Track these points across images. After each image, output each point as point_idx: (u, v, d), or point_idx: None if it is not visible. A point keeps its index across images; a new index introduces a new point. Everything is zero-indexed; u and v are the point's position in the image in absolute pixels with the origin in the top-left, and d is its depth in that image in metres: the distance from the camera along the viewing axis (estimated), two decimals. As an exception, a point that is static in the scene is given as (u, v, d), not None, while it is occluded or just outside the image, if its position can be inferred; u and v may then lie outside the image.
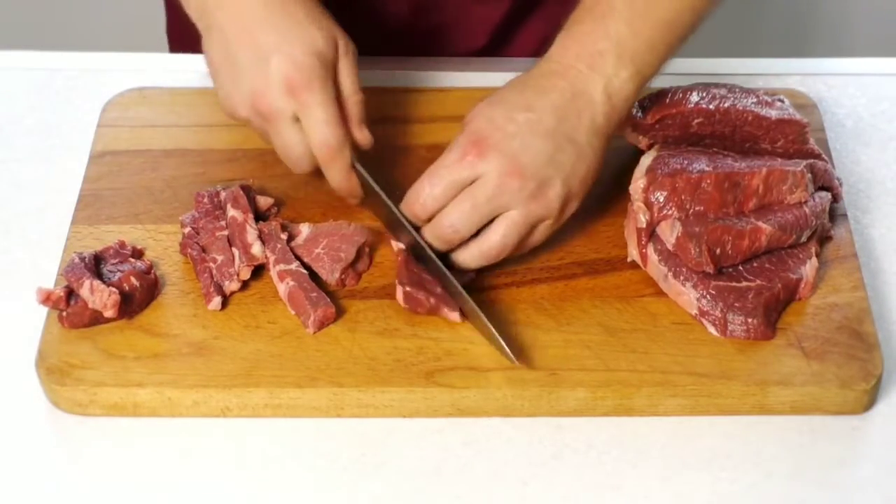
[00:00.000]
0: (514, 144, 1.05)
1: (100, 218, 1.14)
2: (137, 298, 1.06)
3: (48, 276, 1.09)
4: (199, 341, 1.04)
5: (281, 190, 1.16)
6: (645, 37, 1.07)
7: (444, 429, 1.02)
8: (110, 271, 1.07)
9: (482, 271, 1.09)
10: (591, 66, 1.07)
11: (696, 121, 1.13)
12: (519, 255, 1.09)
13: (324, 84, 1.07)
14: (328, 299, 1.05)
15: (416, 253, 1.08)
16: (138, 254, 1.09)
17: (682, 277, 1.06)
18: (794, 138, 1.13)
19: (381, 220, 1.13)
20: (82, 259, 1.06)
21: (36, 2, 2.37)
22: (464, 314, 1.05)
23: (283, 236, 1.09)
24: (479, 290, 1.08)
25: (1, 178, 1.21)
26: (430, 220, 1.08)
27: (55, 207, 1.17)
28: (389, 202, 1.10)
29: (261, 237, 1.09)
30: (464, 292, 1.05)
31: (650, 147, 1.16)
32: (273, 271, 1.08)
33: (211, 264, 1.08)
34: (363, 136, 1.12)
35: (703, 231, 1.06)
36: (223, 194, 1.12)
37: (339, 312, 1.06)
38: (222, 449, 1.00)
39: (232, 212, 1.10)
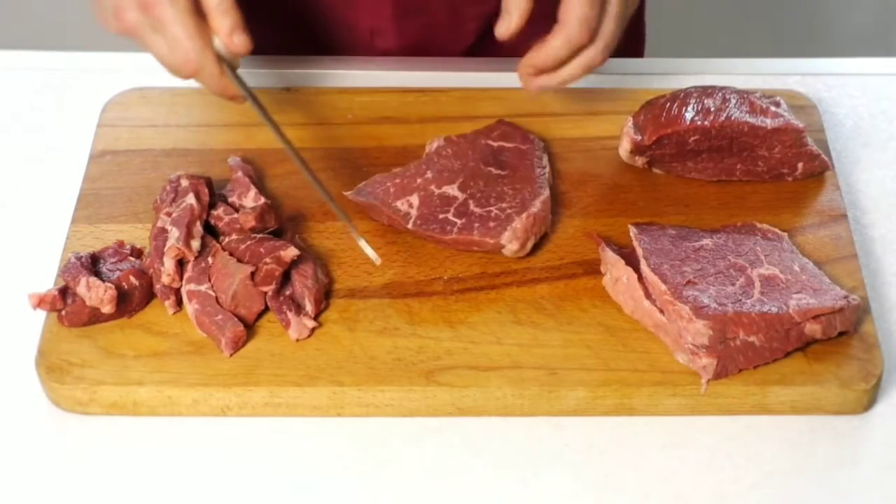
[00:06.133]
0: None
1: (100, 217, 1.14)
2: (137, 297, 1.05)
3: (48, 276, 1.09)
4: (199, 340, 1.04)
5: (281, 190, 1.16)
6: None
7: (443, 428, 1.02)
8: (109, 270, 1.07)
9: (484, 271, 1.09)
10: None
11: (692, 138, 1.13)
12: (519, 256, 1.10)
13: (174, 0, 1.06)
14: (235, 319, 1.03)
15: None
16: (138, 253, 1.09)
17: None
18: (791, 143, 1.14)
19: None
20: (79, 259, 1.06)
21: (36, 2, 2.37)
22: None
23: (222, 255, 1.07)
24: (479, 289, 1.08)
25: (1, 178, 1.21)
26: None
27: (55, 207, 1.16)
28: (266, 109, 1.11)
29: (203, 239, 1.08)
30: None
31: (649, 165, 1.17)
32: (183, 290, 1.06)
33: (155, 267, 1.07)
34: (236, 44, 1.09)
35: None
36: (184, 182, 1.11)
37: (338, 311, 1.05)
38: (222, 448, 1.00)
39: (191, 200, 1.09)
